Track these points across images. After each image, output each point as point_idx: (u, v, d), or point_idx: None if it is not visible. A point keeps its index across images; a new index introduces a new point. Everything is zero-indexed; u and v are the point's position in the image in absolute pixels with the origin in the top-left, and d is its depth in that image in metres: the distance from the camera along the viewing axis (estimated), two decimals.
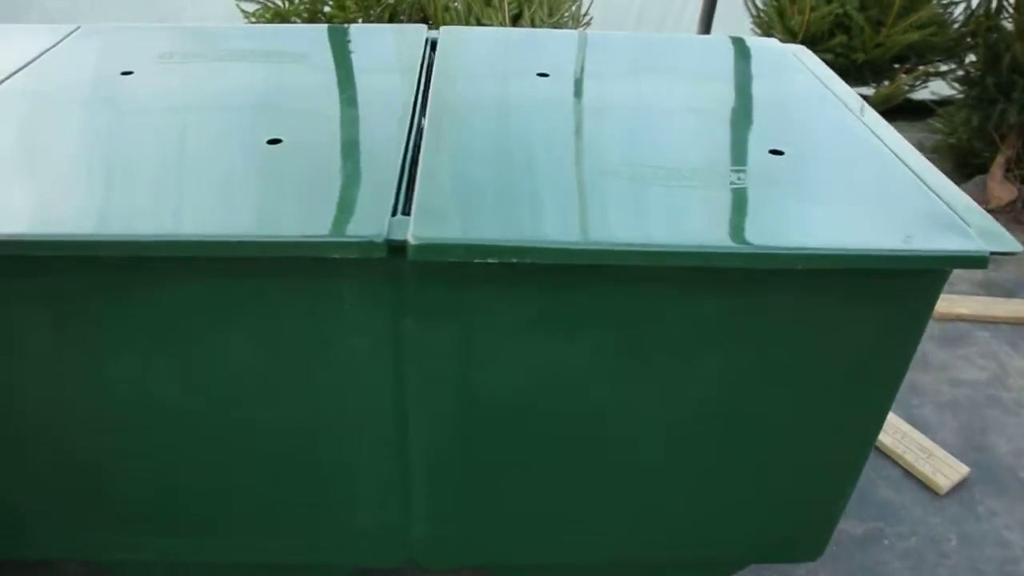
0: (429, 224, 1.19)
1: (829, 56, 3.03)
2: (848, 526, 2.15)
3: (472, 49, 1.83)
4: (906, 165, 1.43)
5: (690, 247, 1.18)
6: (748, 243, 1.20)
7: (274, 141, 1.42)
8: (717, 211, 1.28)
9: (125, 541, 1.59)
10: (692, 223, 1.25)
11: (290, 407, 1.40)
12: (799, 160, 1.43)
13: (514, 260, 1.16)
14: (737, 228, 1.25)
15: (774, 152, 1.45)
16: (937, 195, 1.34)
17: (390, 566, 1.69)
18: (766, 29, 3.33)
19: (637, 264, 1.19)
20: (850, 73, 3.06)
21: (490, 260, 1.16)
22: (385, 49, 1.85)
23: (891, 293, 1.28)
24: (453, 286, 1.25)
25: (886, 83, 3.15)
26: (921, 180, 1.38)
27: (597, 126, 1.54)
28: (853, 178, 1.39)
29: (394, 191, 1.26)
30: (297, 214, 1.23)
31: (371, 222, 1.18)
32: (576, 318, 1.31)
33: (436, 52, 1.80)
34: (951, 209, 1.30)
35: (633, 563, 1.69)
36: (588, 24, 3.56)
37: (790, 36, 3.18)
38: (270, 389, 1.38)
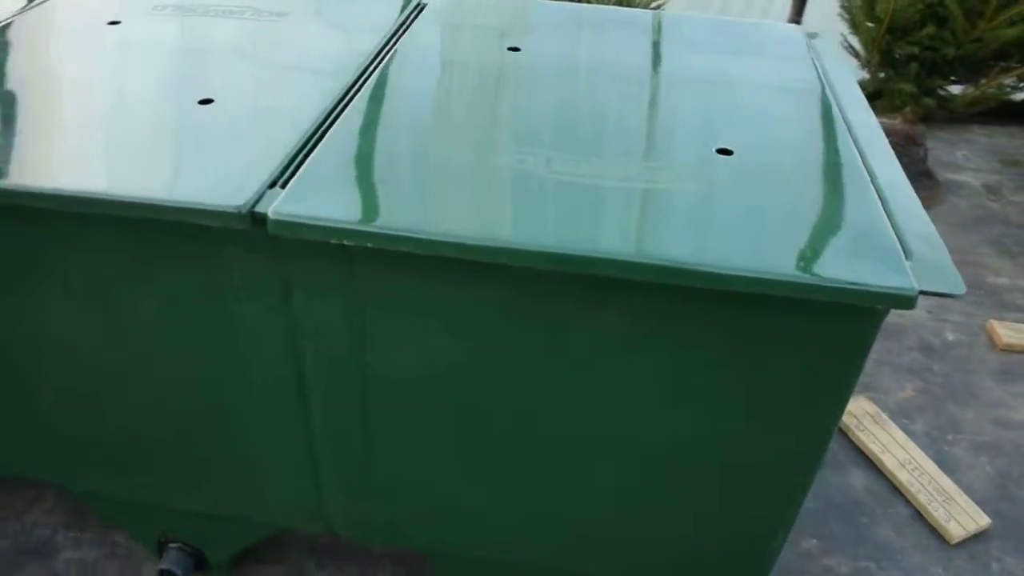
0: (297, 200, 1.15)
1: (915, 49, 2.73)
2: (834, 562, 1.98)
3: (457, 14, 1.76)
4: (872, 180, 1.26)
5: (544, 248, 1.08)
6: (620, 250, 1.08)
7: (206, 101, 1.41)
8: (610, 209, 1.17)
9: (81, 473, 1.68)
10: (575, 222, 1.14)
11: (195, 365, 1.41)
12: (745, 163, 1.29)
13: (368, 245, 1.10)
14: (622, 231, 1.13)
15: (722, 151, 1.31)
16: (891, 219, 1.17)
17: (312, 531, 1.69)
18: (852, 16, 3.04)
19: (483, 261, 1.10)
20: (939, 70, 2.75)
21: (346, 243, 1.10)
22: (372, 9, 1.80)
23: (812, 323, 1.13)
24: (341, 266, 1.20)
25: (982, 83, 2.81)
26: (881, 200, 1.21)
27: (536, 106, 1.44)
28: (797, 187, 1.24)
29: (281, 160, 1.22)
30: (185, 177, 1.22)
31: (240, 192, 1.15)
32: (461, 314, 1.24)
33: (420, 16, 1.74)
34: (898, 236, 1.13)
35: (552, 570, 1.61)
36: (662, 4, 3.37)
37: (876, 23, 2.89)
38: (173, 345, 1.39)
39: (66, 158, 1.26)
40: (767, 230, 1.14)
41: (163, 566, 1.81)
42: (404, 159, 1.27)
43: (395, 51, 1.59)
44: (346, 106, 1.40)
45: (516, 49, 1.63)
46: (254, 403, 1.43)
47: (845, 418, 2.33)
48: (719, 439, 1.30)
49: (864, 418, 2.34)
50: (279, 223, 1.11)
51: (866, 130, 1.41)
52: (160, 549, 1.86)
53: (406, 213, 1.15)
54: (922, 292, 1.02)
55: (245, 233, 1.16)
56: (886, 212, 1.18)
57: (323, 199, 1.16)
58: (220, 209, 1.12)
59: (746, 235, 1.13)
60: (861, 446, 2.27)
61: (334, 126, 1.33)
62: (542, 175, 1.23)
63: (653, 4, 3.29)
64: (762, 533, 1.43)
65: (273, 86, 1.49)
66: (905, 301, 1.02)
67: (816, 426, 1.26)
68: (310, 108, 1.37)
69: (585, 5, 1.89)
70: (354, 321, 1.28)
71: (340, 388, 1.37)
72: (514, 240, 1.09)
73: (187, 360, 1.40)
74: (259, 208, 1.13)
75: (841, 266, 1.05)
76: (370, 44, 1.60)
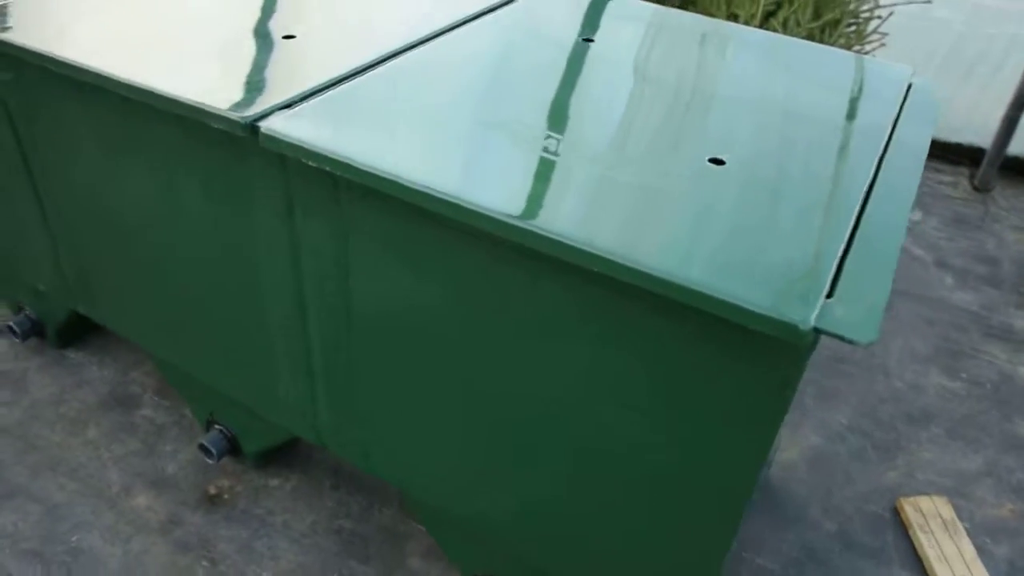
0: (293, 122, 1.29)
1: None
2: None
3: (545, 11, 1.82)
4: (858, 221, 1.17)
5: (494, 213, 1.13)
6: (564, 233, 1.08)
7: (289, 36, 1.60)
8: (564, 188, 1.19)
9: (151, 336, 1.98)
10: (523, 191, 1.18)
11: (225, 253, 1.60)
12: (731, 175, 1.24)
13: (327, 169, 1.21)
14: (563, 209, 1.15)
15: (714, 161, 1.28)
16: (844, 259, 1.09)
17: (311, 441, 1.84)
18: None
19: (449, 216, 1.17)
20: None
21: (311, 164, 1.22)
22: None
23: (728, 346, 1.09)
24: (329, 190, 1.33)
25: None
26: (851, 240, 1.13)
27: (588, 96, 1.48)
28: (765, 206, 1.18)
29: (303, 90, 1.37)
30: (221, 91, 1.40)
31: (251, 105, 1.31)
32: (423, 258, 1.32)
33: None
34: (836, 276, 1.05)
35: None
36: (879, 45, 3.16)
37: None
38: (211, 232, 1.60)
39: (160, 62, 1.50)
40: (705, 236, 1.11)
41: (202, 441, 2.06)
42: (414, 113, 1.37)
43: (466, 29, 1.69)
44: (391, 60, 1.52)
45: (590, 40, 1.67)
46: (266, 302, 1.61)
47: (911, 514, 2.10)
48: (637, 442, 1.27)
49: (933, 519, 2.09)
50: (267, 136, 1.26)
51: (900, 177, 1.30)
52: (207, 427, 2.11)
53: (382, 155, 1.24)
54: (818, 330, 0.96)
55: (258, 146, 1.32)
56: (844, 252, 1.09)
57: (316, 126, 1.29)
58: (225, 115, 1.29)
59: (678, 237, 1.10)
60: (919, 548, 2.04)
61: (367, 74, 1.46)
62: (525, 146, 1.27)
63: (862, 50, 3.10)
64: (683, 552, 1.37)
65: (346, 32, 1.64)
66: (793, 331, 0.95)
67: (732, 454, 1.20)
68: (356, 58, 1.50)
69: (701, 17, 1.87)
70: (340, 245, 1.40)
71: (329, 306, 1.50)
72: (456, 194, 1.15)
73: (220, 248, 1.60)
74: (261, 123, 1.28)
75: (739, 283, 1.00)
76: (450, 18, 1.71)
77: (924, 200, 3.46)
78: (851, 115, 1.46)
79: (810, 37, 2.98)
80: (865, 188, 1.24)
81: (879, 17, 3.17)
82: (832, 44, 3.01)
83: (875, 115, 1.46)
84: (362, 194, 1.28)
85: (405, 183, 1.17)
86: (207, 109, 1.32)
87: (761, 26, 2.99)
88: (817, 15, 3.02)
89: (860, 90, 1.55)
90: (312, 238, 1.43)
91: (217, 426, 2.08)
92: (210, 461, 2.07)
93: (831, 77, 1.60)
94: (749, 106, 1.46)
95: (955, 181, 3.60)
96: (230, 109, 1.30)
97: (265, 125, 1.27)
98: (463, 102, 1.41)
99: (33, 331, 2.38)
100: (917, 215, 3.36)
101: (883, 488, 2.21)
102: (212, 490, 2.09)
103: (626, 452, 1.29)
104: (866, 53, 3.19)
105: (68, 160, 1.75)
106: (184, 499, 2.06)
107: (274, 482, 2.12)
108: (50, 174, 1.83)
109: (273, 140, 1.26)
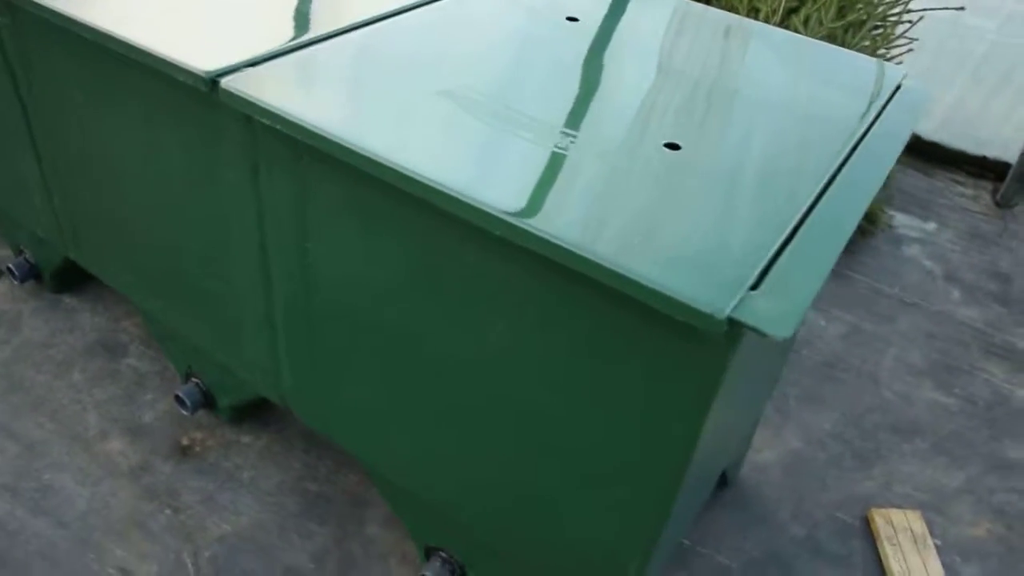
0: (253, 79, 1.30)
1: None
2: None
3: None
4: (805, 215, 1.14)
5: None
6: (499, 207, 1.07)
7: None
8: (512, 164, 1.18)
9: (132, 286, 2.02)
10: (464, 161, 1.18)
11: (196, 207, 1.62)
12: (683, 159, 1.22)
13: (278, 128, 1.22)
14: (504, 184, 1.14)
15: (669, 145, 1.26)
16: (780, 253, 1.06)
17: (275, 402, 1.87)
18: None
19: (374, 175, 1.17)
20: None
21: (265, 122, 1.23)
22: None
23: (652, 332, 1.07)
24: (291, 151, 1.34)
25: None
26: (792, 234, 1.10)
27: (537, 66, 1.46)
28: (709, 193, 1.16)
29: (270, 50, 1.38)
30: (193, 47, 1.40)
31: (217, 61, 1.32)
32: (373, 223, 1.32)
33: None
34: (765, 269, 1.03)
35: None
36: (907, 51, 3.07)
37: None
38: (183, 185, 1.61)
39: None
40: (637, 217, 1.09)
41: (178, 392, 2.10)
42: (375, 79, 1.37)
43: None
44: (366, 27, 1.52)
45: (574, 19, 1.65)
46: (234, 258, 1.62)
47: (881, 525, 2.07)
48: (563, 417, 1.26)
49: (903, 533, 2.05)
50: (226, 91, 1.27)
51: (864, 174, 1.27)
52: (185, 379, 2.15)
53: (335, 118, 1.24)
54: (733, 320, 0.94)
55: (218, 102, 1.33)
56: (780, 246, 1.07)
57: (277, 85, 1.30)
58: (192, 70, 1.30)
59: (606, 215, 1.09)
60: (884, 560, 2.00)
61: (339, 38, 1.46)
62: (480, 119, 1.26)
63: (887, 54, 3.02)
64: (612, 535, 1.36)
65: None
66: (706, 319, 0.94)
67: (657, 443, 1.18)
68: (331, 23, 1.50)
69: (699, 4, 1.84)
70: (299, 207, 1.41)
71: (290, 266, 1.51)
72: (391, 159, 1.15)
73: (194, 201, 1.62)
74: (222, 79, 1.29)
75: (657, 264, 0.99)
76: None
77: (941, 212, 3.38)
78: (826, 108, 1.42)
79: (831, 38, 2.91)
80: (823, 182, 1.22)
81: (908, 22, 3.08)
82: (855, 46, 2.94)
83: (852, 110, 1.42)
84: (319, 157, 1.28)
85: (350, 147, 1.17)
86: (173, 62, 1.33)
87: (782, 23, 2.93)
88: (841, 15, 2.95)
89: (843, 85, 1.51)
90: (274, 197, 1.44)
91: (194, 379, 2.12)
92: (185, 413, 2.10)
93: (815, 70, 1.57)
94: (721, 93, 1.44)
95: (976, 195, 3.51)
96: (195, 63, 1.31)
97: (225, 81, 1.28)
98: (423, 71, 1.41)
99: (31, 274, 2.43)
100: (931, 226, 3.28)
101: (857, 497, 2.17)
102: (185, 441, 2.13)
103: (555, 425, 1.28)
104: (892, 58, 3.11)
105: (59, 107, 1.78)
106: (156, 448, 2.10)
107: (246, 439, 2.15)
108: (44, 119, 1.87)
109: (231, 96, 1.27)
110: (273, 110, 1.24)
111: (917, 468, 2.27)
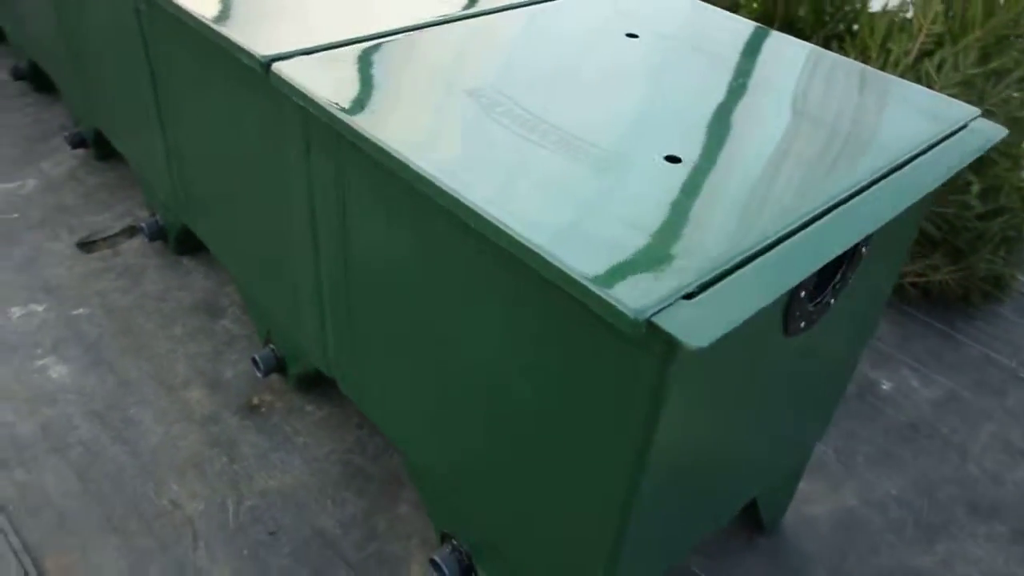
0: (305, 67, 1.43)
1: None
2: None
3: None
4: (773, 231, 1.12)
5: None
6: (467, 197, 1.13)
7: None
8: (494, 153, 1.23)
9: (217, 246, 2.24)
10: (460, 156, 1.24)
11: (265, 179, 1.79)
12: (682, 170, 1.23)
13: (306, 107, 1.34)
14: (490, 179, 1.19)
15: (670, 159, 1.27)
16: (731, 267, 1.05)
17: (325, 373, 2.00)
18: None
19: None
20: None
21: (301, 104, 1.36)
22: None
23: (600, 335, 1.09)
24: (334, 134, 1.46)
25: None
26: (754, 251, 1.08)
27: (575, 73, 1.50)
28: (691, 204, 1.16)
29: (331, 41, 1.51)
30: (267, 31, 1.56)
31: (276, 50, 1.46)
32: (393, 208, 1.41)
33: None
34: (707, 283, 1.02)
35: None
36: None
37: None
38: (256, 159, 1.78)
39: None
40: (600, 218, 1.11)
41: (255, 355, 2.29)
42: (410, 78, 1.46)
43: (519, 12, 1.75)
44: (426, 29, 1.63)
45: (633, 36, 1.68)
46: (293, 233, 1.77)
47: None
48: (534, 412, 1.29)
49: None
50: (275, 75, 1.41)
51: (880, 204, 1.22)
52: (264, 344, 2.34)
53: (363, 112, 1.33)
54: (652, 323, 0.94)
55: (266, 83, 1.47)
56: (742, 262, 1.05)
57: (323, 74, 1.42)
58: (251, 53, 1.46)
59: (568, 211, 1.12)
60: None
61: (391, 40, 1.57)
62: (490, 117, 1.33)
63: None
64: (571, 544, 1.37)
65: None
66: (623, 319, 0.95)
67: (609, 451, 1.18)
68: (400, 21, 1.62)
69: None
70: (339, 187, 1.53)
71: (333, 243, 1.64)
72: (400, 151, 1.23)
73: (265, 178, 1.79)
74: (274, 65, 1.43)
75: (594, 266, 1.00)
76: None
77: None
78: (868, 135, 1.37)
79: (968, 84, 2.73)
80: (826, 205, 1.18)
81: None
82: (996, 96, 2.74)
83: (897, 138, 1.36)
84: (350, 143, 1.39)
85: (369, 137, 1.26)
86: (237, 44, 1.49)
87: (913, 66, 2.78)
88: (983, 60, 2.75)
89: (896, 113, 1.45)
90: (321, 176, 1.56)
91: (271, 345, 2.30)
92: (259, 375, 2.29)
93: (872, 97, 1.51)
94: (761, 105, 1.42)
95: None
96: (256, 48, 1.46)
97: (276, 65, 1.42)
98: (463, 74, 1.48)
99: (160, 235, 2.73)
100: None
101: (909, 570, 2.02)
102: (255, 401, 2.31)
103: (525, 415, 1.31)
104: None
105: (175, 83, 2.02)
106: (229, 402, 2.30)
107: (309, 408, 2.31)
108: (167, 93, 2.12)
109: (278, 79, 1.40)
110: (308, 94, 1.36)
111: (988, 553, 2.08)
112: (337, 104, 1.33)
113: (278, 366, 2.30)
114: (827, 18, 3.15)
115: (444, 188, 1.15)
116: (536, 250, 1.03)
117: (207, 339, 2.49)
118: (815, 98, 1.50)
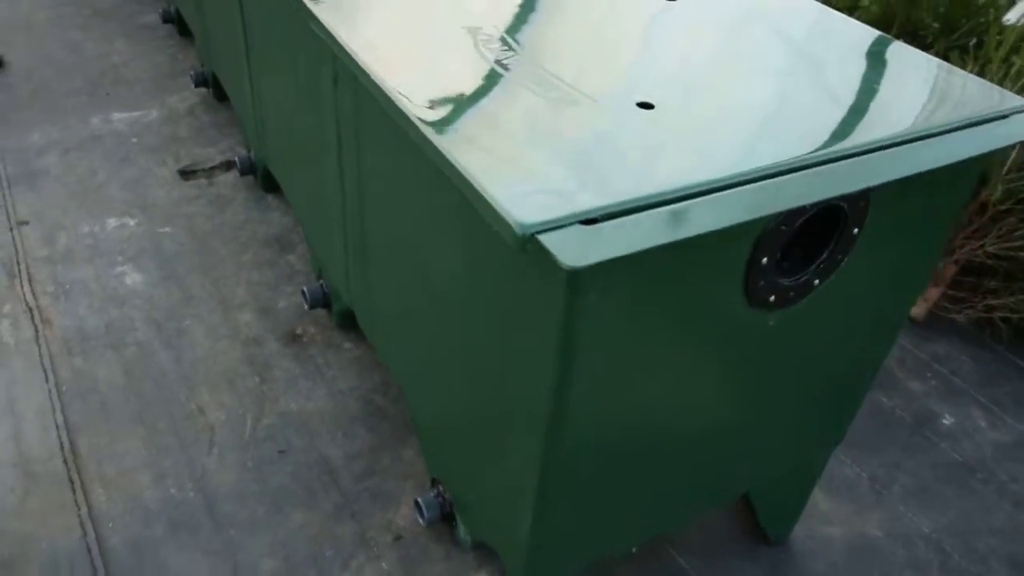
0: (333, 8, 1.48)
1: None
2: None
3: None
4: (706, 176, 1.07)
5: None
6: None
7: None
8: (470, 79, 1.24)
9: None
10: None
11: (309, 114, 1.88)
12: (653, 116, 1.19)
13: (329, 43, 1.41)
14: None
15: (643, 105, 1.23)
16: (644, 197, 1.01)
17: (345, 303, 2.08)
18: None
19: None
20: None
21: (324, 38, 1.43)
22: None
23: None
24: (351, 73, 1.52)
25: None
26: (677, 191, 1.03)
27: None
28: (636, 142, 1.12)
29: None
30: None
31: None
32: (377, 136, 1.46)
33: None
34: (633, 206, 0.99)
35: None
36: None
37: None
38: (306, 98, 1.88)
39: None
40: (539, 144, 1.10)
41: (304, 288, 2.40)
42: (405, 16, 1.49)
43: None
44: None
45: None
46: (325, 162, 1.85)
47: None
48: (485, 353, 1.29)
49: None
50: (311, 16, 1.47)
51: (859, 172, 1.13)
52: (317, 279, 2.45)
53: (365, 46, 1.37)
54: (535, 237, 0.93)
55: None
56: (655, 201, 1.01)
57: (348, 17, 1.47)
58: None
59: (516, 137, 1.11)
60: None
61: None
62: (478, 47, 1.34)
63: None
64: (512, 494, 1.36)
65: None
66: (511, 233, 0.93)
67: (532, 395, 1.17)
68: None
69: None
70: (357, 120, 1.59)
71: (353, 178, 1.70)
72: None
73: (308, 110, 1.88)
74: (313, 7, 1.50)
75: (509, 185, 0.99)
76: None
77: None
78: (875, 107, 1.27)
79: None
80: (790, 165, 1.11)
81: None
82: None
83: (902, 114, 1.25)
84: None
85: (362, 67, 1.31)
86: None
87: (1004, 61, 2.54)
88: None
89: (914, 92, 1.34)
90: (343, 108, 1.63)
91: (322, 281, 2.41)
92: (305, 306, 2.40)
93: (899, 78, 1.39)
94: (771, 69, 1.35)
95: None
96: None
97: (312, 7, 1.48)
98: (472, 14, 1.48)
99: (251, 170, 2.92)
100: None
101: None
102: (298, 331, 2.43)
103: (478, 351, 1.32)
104: None
105: (256, 32, 2.16)
106: (274, 329, 2.42)
107: (347, 345, 2.40)
108: (253, 39, 2.26)
109: (314, 19, 1.47)
110: (328, 27, 1.41)
111: None
112: (346, 39, 1.37)
113: (324, 301, 2.40)
114: (958, 28, 2.93)
115: (387, 92, 1.17)
116: (448, 157, 1.04)
117: (270, 270, 2.63)
118: (832, 70, 1.41)
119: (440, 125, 1.12)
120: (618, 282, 1.04)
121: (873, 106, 1.30)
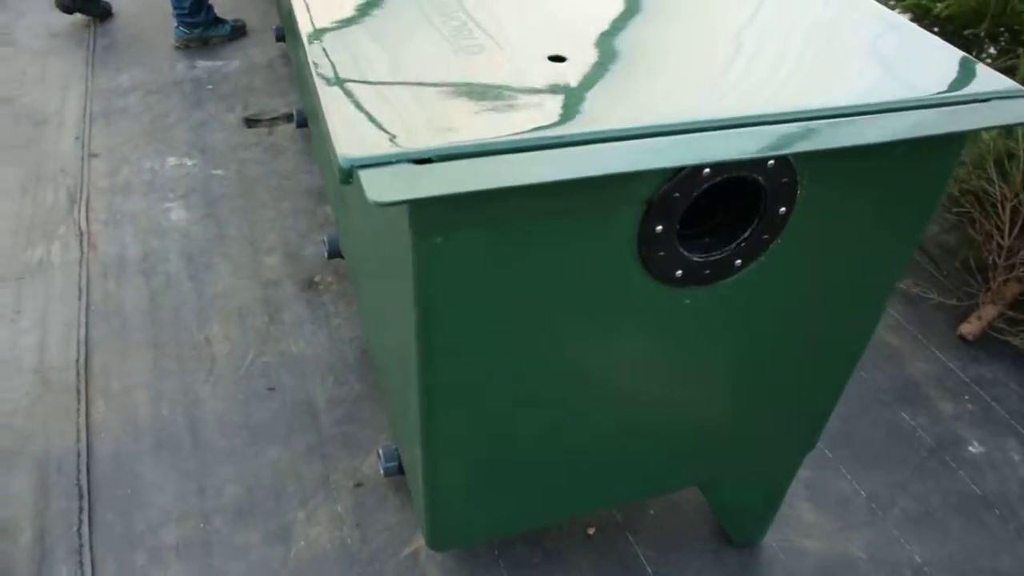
0: None
1: None
2: None
3: None
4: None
5: None
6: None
7: None
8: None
9: None
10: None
11: None
12: (562, 70, 1.14)
13: None
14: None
15: (554, 58, 1.18)
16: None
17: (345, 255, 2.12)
18: None
19: None
20: None
21: None
22: None
23: None
24: None
25: None
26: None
27: None
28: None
29: None
30: None
31: None
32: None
33: None
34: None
35: None
36: None
37: None
38: None
39: None
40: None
41: (325, 236, 2.46)
42: None
43: None
44: None
45: None
46: None
47: None
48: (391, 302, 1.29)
49: None
50: None
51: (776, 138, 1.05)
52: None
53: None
54: (358, 169, 0.91)
55: None
56: (498, 149, 0.97)
57: None
58: None
59: (396, 79, 1.10)
60: None
61: None
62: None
63: None
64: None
65: None
66: (338, 165, 0.92)
67: (408, 344, 1.16)
68: None
69: None
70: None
71: None
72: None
73: None
74: None
75: (361, 126, 0.98)
76: None
77: None
78: (821, 75, 1.16)
79: None
80: (689, 125, 1.03)
81: None
82: None
83: (850, 85, 1.14)
84: None
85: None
86: None
87: None
88: None
89: (907, 67, 1.21)
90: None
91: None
92: (324, 254, 2.47)
93: (873, 49, 1.26)
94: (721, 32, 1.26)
95: None
96: None
97: None
98: None
99: (306, 123, 3.01)
100: None
101: None
102: (316, 278, 2.50)
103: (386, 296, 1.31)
104: None
105: None
106: (295, 274, 2.51)
107: None
108: None
109: None
110: None
111: None
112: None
113: (341, 252, 2.46)
114: None
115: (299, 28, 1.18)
116: (316, 80, 1.03)
117: (305, 219, 2.72)
118: (777, 34, 1.30)
119: (329, 51, 1.12)
120: (467, 228, 1.00)
121: (815, 76, 1.19)
